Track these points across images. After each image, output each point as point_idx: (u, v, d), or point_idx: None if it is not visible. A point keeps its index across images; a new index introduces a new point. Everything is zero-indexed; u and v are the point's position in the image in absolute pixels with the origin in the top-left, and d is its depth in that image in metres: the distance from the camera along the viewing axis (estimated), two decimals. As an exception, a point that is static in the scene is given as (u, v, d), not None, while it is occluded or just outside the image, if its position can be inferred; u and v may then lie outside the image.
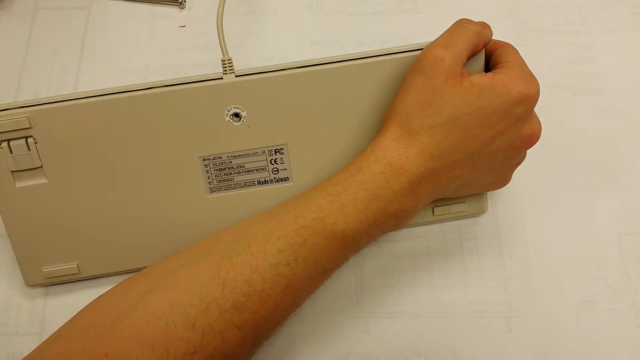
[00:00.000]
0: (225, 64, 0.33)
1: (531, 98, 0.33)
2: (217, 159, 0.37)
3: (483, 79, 0.31)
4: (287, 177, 0.38)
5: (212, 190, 0.38)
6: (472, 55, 0.34)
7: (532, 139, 0.34)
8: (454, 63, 0.31)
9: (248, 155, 0.37)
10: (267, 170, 0.38)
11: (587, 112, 0.46)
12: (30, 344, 0.38)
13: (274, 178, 0.38)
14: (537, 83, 0.33)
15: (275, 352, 0.38)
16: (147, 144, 0.36)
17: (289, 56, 0.49)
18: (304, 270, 0.32)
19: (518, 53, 0.35)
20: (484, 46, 0.35)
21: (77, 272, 0.38)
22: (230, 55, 0.35)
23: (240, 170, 0.38)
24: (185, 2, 0.51)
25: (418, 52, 0.34)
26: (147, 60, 0.48)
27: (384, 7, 0.51)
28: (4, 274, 0.40)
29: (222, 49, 0.32)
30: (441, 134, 0.31)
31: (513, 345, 0.38)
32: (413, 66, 0.33)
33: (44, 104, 0.34)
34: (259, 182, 0.38)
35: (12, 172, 0.36)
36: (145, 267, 0.35)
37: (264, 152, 0.37)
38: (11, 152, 0.35)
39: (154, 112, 0.35)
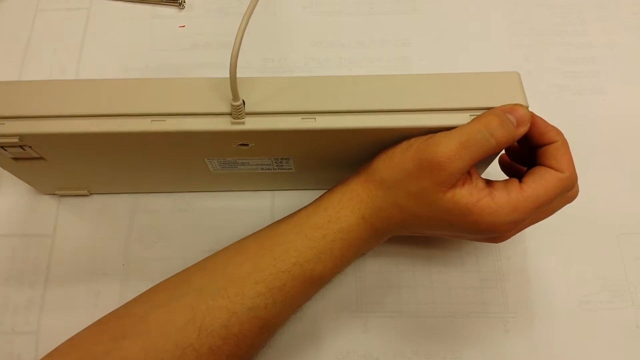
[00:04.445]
0: (234, 108, 0.31)
1: (503, 233, 0.31)
2: (221, 159, 0.37)
3: (466, 199, 0.30)
4: (291, 168, 0.39)
5: (214, 169, 0.39)
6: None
7: (494, 241, 0.34)
8: (450, 177, 0.30)
9: (253, 159, 0.37)
10: (272, 165, 0.38)
11: (586, 112, 0.46)
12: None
13: (278, 168, 0.39)
14: (527, 223, 0.32)
15: (275, 352, 0.38)
16: (147, 156, 0.36)
17: (289, 57, 0.49)
18: (281, 311, 0.32)
19: (562, 174, 0.30)
20: (512, 143, 0.31)
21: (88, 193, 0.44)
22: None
23: (245, 164, 0.38)
24: (184, 2, 0.51)
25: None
26: (146, 60, 0.48)
27: (383, 7, 0.51)
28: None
29: (232, 93, 0.30)
30: (410, 216, 0.32)
31: (511, 346, 0.38)
32: (413, 149, 0.31)
33: (38, 117, 0.32)
34: (262, 169, 0.39)
35: (11, 158, 0.36)
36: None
37: (269, 158, 0.37)
38: (5, 150, 0.34)
39: (155, 143, 0.34)
